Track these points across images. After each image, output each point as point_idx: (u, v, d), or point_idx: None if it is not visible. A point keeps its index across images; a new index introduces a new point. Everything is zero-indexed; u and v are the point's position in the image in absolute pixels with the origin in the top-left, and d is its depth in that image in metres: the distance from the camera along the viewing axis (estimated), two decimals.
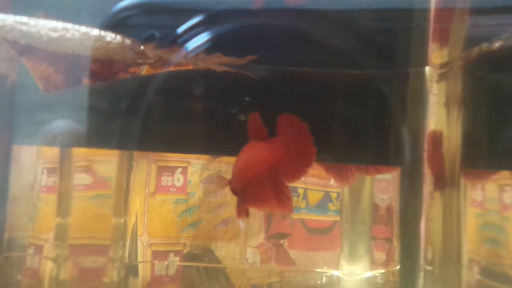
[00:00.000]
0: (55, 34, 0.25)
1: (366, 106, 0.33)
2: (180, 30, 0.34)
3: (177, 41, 0.33)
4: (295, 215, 0.55)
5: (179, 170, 0.55)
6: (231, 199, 0.55)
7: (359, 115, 0.33)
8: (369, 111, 0.33)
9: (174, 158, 0.55)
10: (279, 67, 0.32)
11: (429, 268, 0.33)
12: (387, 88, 0.32)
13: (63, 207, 0.45)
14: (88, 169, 0.48)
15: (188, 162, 0.55)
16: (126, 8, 0.34)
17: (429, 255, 0.33)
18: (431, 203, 0.32)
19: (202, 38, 0.34)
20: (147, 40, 0.33)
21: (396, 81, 0.32)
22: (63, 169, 0.44)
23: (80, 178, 0.47)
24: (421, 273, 0.33)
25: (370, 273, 0.50)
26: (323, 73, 0.32)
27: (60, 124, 0.37)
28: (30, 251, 0.46)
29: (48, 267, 0.45)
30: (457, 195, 0.32)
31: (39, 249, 0.46)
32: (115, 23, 0.34)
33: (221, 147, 0.39)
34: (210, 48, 0.33)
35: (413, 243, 0.34)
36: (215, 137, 0.37)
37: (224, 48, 0.33)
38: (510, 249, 0.34)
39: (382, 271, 0.50)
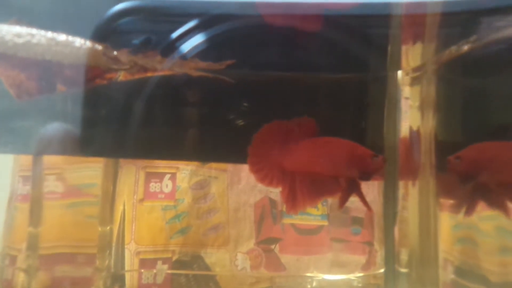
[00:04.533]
0: (20, 40, 0.24)
1: (345, 110, 0.33)
2: (175, 35, 0.34)
3: (173, 46, 0.33)
4: (286, 220, 0.55)
5: (168, 176, 0.54)
6: (221, 205, 0.54)
7: (339, 119, 0.33)
8: (348, 114, 0.33)
9: (162, 164, 0.54)
10: (258, 71, 0.32)
11: (404, 270, 0.33)
12: (365, 92, 0.32)
13: (35, 216, 0.44)
14: (61, 177, 0.47)
15: (177, 168, 0.55)
16: (121, 13, 0.34)
17: (405, 257, 0.33)
18: (405, 205, 0.32)
19: (197, 42, 0.34)
20: (143, 44, 0.33)
21: (373, 85, 0.32)
22: (35, 177, 0.43)
23: (55, 186, 0.47)
24: (403, 275, 0.34)
25: (349, 277, 0.50)
26: (301, 77, 0.32)
27: (55, 128, 0.36)
28: (6, 262, 0.45)
29: (21, 278, 0.44)
30: (433, 197, 0.32)
31: (13, 259, 0.46)
32: (110, 28, 0.34)
33: (221, 153, 0.38)
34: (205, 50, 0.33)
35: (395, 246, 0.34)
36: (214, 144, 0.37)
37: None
38: (483, 248, 0.34)
39: (361, 274, 0.50)
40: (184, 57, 0.31)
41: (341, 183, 0.35)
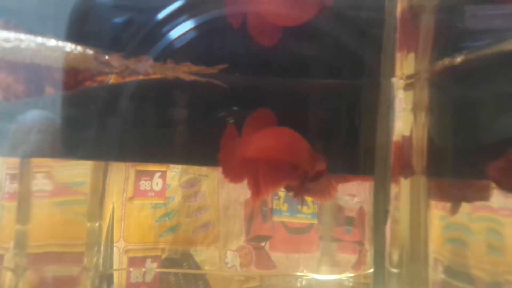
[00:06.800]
0: (8, 45, 0.24)
1: (339, 115, 0.33)
2: (161, 16, 0.33)
3: (159, 29, 0.32)
4: (276, 218, 0.55)
5: (158, 174, 0.54)
6: (211, 203, 0.54)
7: (333, 124, 0.33)
8: (342, 119, 0.33)
9: None
10: (251, 76, 0.31)
11: (394, 270, 0.34)
12: (359, 97, 0.32)
13: (22, 214, 0.43)
14: (49, 175, 0.47)
15: (168, 166, 0.54)
16: None
17: (396, 257, 0.34)
18: (397, 205, 0.33)
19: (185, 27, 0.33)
20: (125, 24, 0.32)
21: (367, 91, 0.33)
22: (23, 174, 0.42)
23: (43, 184, 0.46)
24: (393, 275, 0.34)
25: (340, 276, 0.51)
26: (297, 82, 0.32)
27: (34, 115, 0.35)
28: None
29: (8, 277, 0.43)
30: (424, 197, 0.33)
31: (0, 259, 0.45)
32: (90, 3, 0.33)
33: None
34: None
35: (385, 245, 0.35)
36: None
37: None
38: (473, 248, 0.35)
39: (351, 274, 0.51)
40: (175, 57, 0.31)
41: (298, 173, 0.35)
